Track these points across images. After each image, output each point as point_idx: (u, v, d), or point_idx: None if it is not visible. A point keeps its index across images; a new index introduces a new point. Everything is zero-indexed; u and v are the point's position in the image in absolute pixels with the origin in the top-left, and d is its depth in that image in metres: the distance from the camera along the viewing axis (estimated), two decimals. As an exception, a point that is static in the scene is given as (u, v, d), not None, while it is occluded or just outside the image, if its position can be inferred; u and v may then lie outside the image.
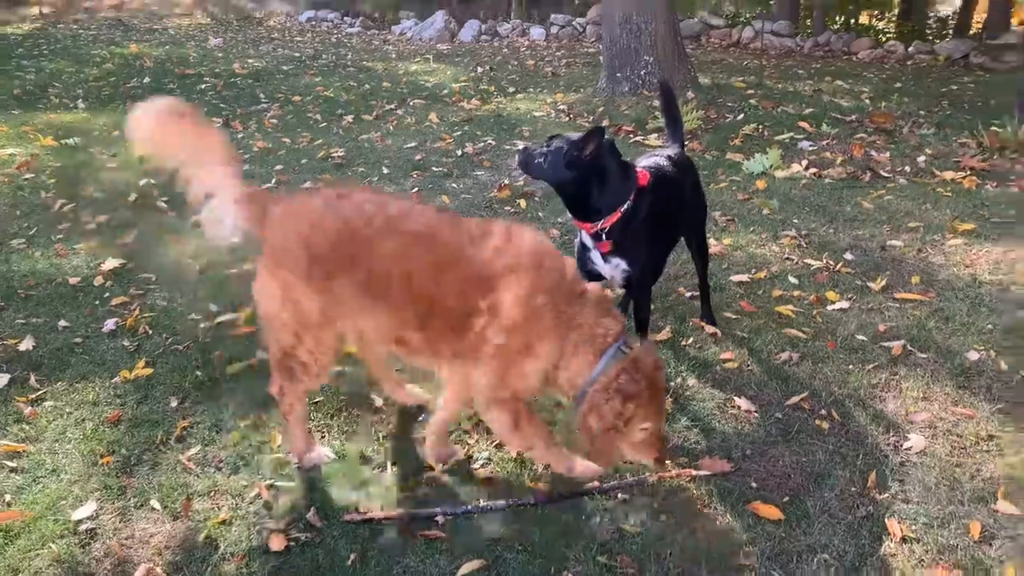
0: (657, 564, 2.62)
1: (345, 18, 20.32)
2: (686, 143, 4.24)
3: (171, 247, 5.22)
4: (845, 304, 4.38)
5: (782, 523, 2.79)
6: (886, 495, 2.91)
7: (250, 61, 12.81)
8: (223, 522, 2.81)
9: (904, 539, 2.70)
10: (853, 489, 2.96)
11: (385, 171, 6.87)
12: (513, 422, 2.85)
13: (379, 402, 3.51)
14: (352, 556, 2.65)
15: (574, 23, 17.54)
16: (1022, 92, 7.61)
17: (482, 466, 3.12)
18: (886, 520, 2.78)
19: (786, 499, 2.91)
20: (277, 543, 2.70)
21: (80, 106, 9.36)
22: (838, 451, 3.17)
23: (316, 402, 3.51)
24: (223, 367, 3.78)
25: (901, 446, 3.19)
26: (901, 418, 3.37)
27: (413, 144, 7.80)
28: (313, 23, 20.06)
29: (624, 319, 2.92)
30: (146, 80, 10.73)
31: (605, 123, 8.60)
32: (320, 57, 13.77)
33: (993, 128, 7.16)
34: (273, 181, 6.53)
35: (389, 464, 3.12)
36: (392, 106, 9.57)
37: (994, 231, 5.34)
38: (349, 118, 8.90)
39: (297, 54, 14.11)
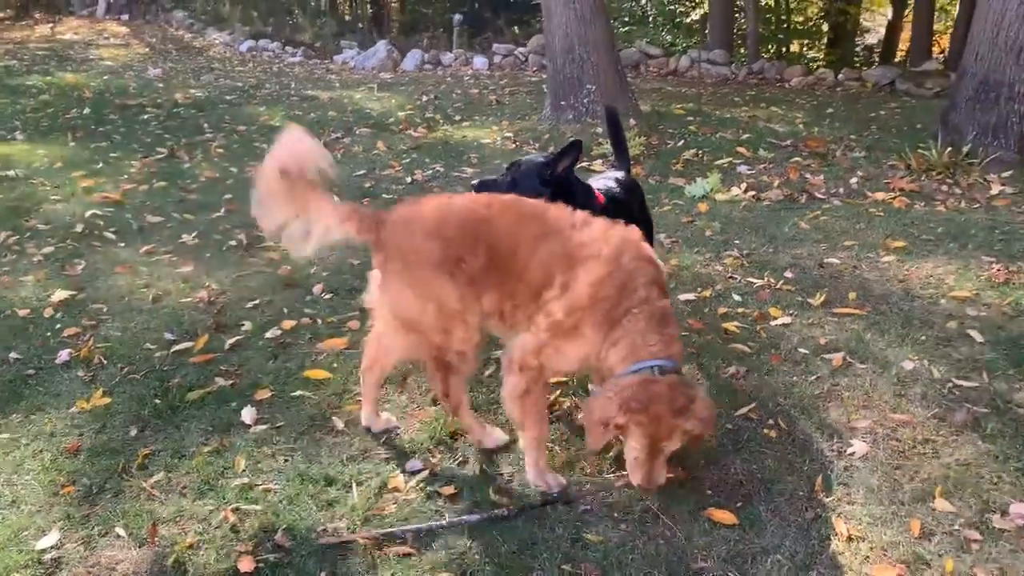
0: (619, 570, 2.72)
1: (286, 48, 20.27)
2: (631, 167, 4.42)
3: (121, 277, 5.18)
4: (787, 319, 4.57)
5: (736, 527, 2.91)
6: (832, 498, 3.06)
7: (192, 91, 12.71)
8: (191, 546, 2.82)
9: (851, 538, 2.84)
10: (801, 493, 3.10)
11: (335, 199, 6.88)
12: (524, 390, 3.00)
13: (340, 425, 3.55)
14: (323, 575, 2.69)
15: (515, 52, 17.80)
16: (944, 117, 8.02)
17: (446, 483, 3.18)
18: (833, 521, 2.92)
19: (739, 504, 3.04)
20: (246, 565, 2.73)
21: (19, 137, 9.19)
22: (786, 458, 3.32)
23: (279, 427, 3.55)
24: (182, 395, 3.79)
25: (845, 452, 3.35)
26: (843, 425, 3.54)
27: (362, 172, 7.86)
28: (254, 53, 19.93)
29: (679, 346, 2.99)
30: (86, 111, 10.58)
31: (551, 149, 8.78)
32: (263, 87, 13.74)
33: (919, 151, 7.54)
34: (222, 210, 6.52)
35: (354, 484, 3.17)
36: (339, 134, 9.62)
37: (923, 248, 5.62)
38: (296, 147, 8.90)
39: (240, 84, 14.04)
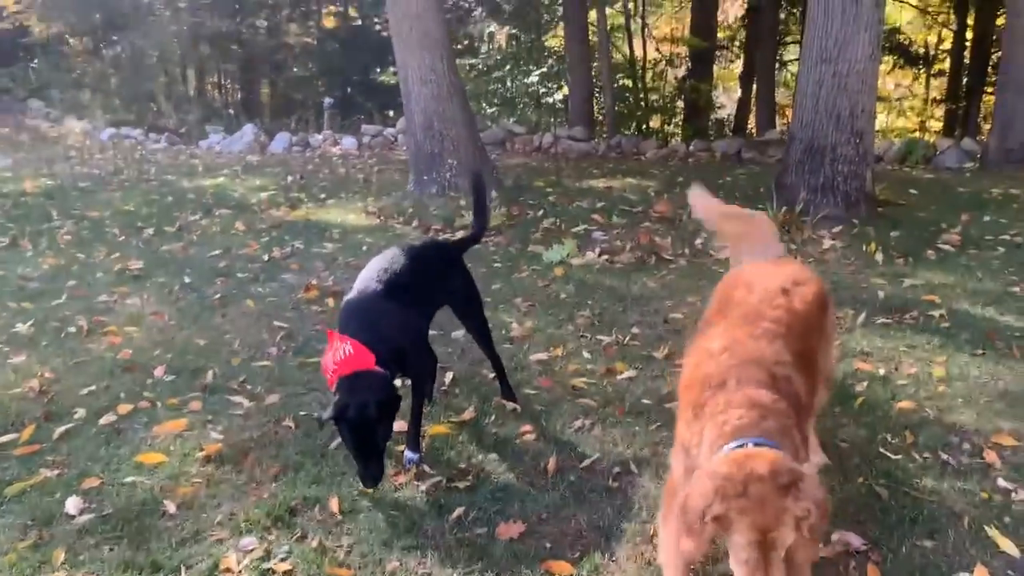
0: (456, 631, 2.68)
1: (149, 134, 19.87)
2: (491, 237, 4.55)
3: (-56, 371, 4.85)
4: (632, 373, 4.71)
5: (573, 577, 2.94)
6: (667, 540, 3.13)
7: (43, 180, 12.22)
8: (-7, 650, 2.61)
9: (683, 577, 2.90)
10: (639, 539, 3.16)
11: (187, 280, 6.73)
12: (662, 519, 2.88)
13: (172, 508, 3.39)
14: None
15: (384, 132, 18.04)
16: (778, 180, 8.60)
17: (282, 560, 3.07)
18: (667, 562, 2.98)
19: (577, 555, 3.07)
20: (55, 664, 2.55)
21: None
22: (626, 506, 3.39)
23: (106, 515, 3.36)
24: (0, 489, 3.54)
25: (681, 495, 3.44)
26: (681, 470, 3.64)
27: (217, 252, 7.70)
28: (115, 140, 19.41)
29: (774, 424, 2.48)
30: (-78, 203, 10.00)
31: (416, 223, 8.88)
32: (121, 173, 13.35)
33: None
34: (64, 297, 6.23)
35: (183, 568, 3.02)
36: (196, 217, 9.41)
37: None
38: (150, 231, 8.66)
39: (97, 171, 13.59)
